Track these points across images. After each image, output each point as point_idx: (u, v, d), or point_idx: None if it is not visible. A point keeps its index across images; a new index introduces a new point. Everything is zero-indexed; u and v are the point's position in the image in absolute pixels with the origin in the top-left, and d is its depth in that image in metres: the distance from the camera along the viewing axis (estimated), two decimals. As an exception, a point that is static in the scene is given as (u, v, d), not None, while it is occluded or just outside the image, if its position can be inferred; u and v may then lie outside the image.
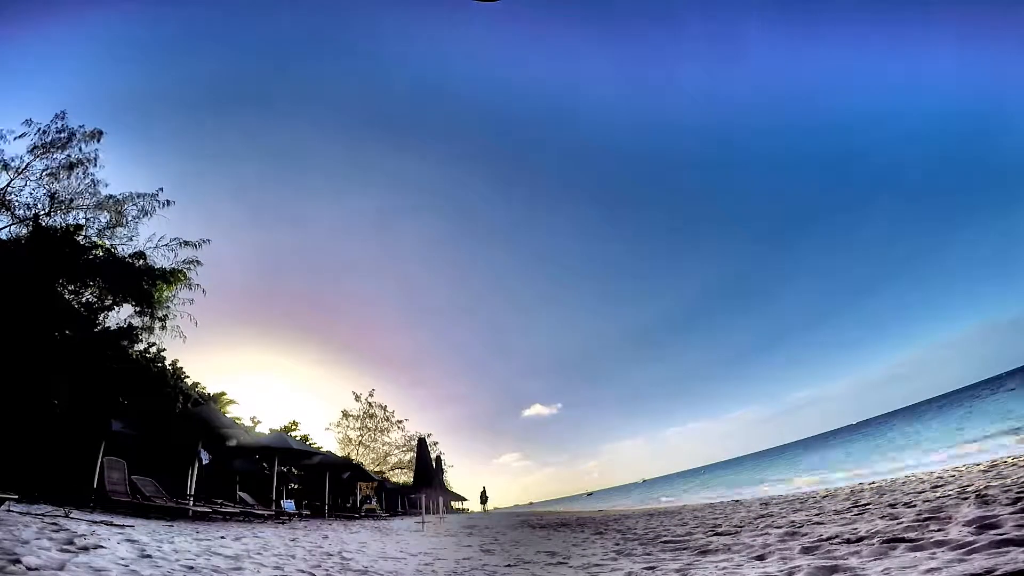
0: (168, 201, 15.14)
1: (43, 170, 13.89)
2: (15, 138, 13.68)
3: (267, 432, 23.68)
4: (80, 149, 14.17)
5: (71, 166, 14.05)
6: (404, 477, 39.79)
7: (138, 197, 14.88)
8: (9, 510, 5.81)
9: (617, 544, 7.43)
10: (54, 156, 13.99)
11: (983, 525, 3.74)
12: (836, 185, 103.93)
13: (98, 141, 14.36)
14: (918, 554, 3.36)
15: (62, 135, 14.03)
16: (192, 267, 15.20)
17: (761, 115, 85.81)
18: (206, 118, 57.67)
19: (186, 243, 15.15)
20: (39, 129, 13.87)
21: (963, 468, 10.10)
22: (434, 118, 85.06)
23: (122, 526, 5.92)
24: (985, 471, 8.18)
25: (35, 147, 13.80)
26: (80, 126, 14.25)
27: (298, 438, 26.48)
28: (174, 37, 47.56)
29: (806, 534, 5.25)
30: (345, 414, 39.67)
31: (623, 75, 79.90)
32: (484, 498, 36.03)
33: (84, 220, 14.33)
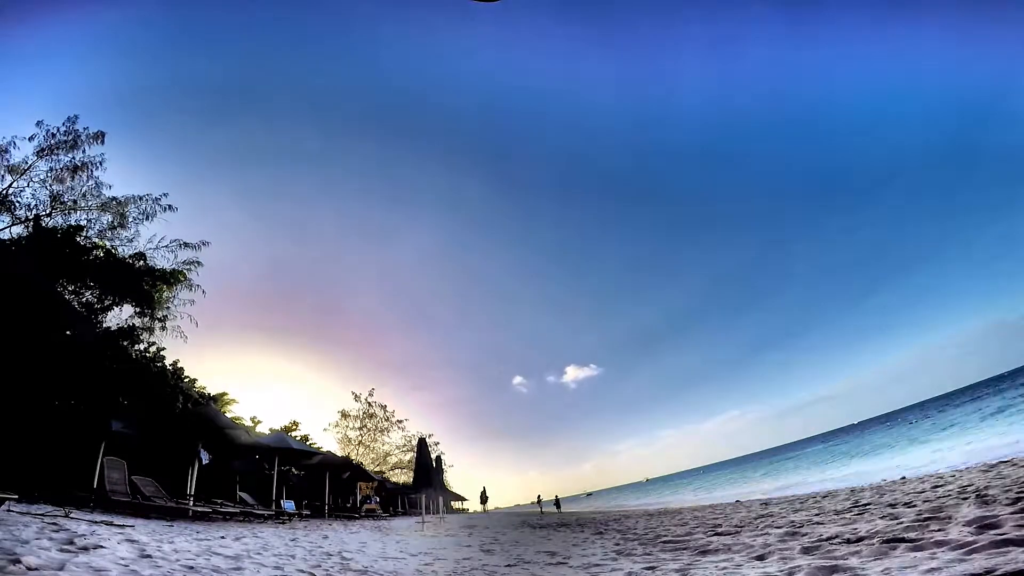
0: (171, 207, 15.14)
1: (47, 171, 13.91)
2: (28, 138, 13.71)
3: (267, 432, 23.69)
4: (84, 151, 14.19)
5: (75, 169, 14.06)
6: (404, 477, 39.77)
7: (140, 199, 14.89)
8: (9, 510, 5.81)
9: (617, 544, 7.43)
10: (58, 158, 14.01)
11: (983, 525, 3.74)
12: (836, 184, 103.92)
13: (100, 143, 14.36)
14: (918, 554, 3.36)
15: (68, 137, 14.05)
16: (192, 268, 15.22)
17: (761, 116, 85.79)
18: (209, 121, 57.77)
19: (186, 244, 15.17)
20: (47, 131, 13.89)
21: (963, 468, 10.11)
22: (435, 121, 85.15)
23: (122, 526, 5.91)
24: (985, 471, 8.18)
25: (41, 149, 13.81)
26: (85, 128, 14.28)
27: (298, 438, 26.50)
28: (176, 39, 47.57)
29: (806, 534, 5.25)
30: (343, 414, 39.66)
31: (623, 76, 79.91)
32: (484, 498, 36.00)
33: (85, 221, 14.35)
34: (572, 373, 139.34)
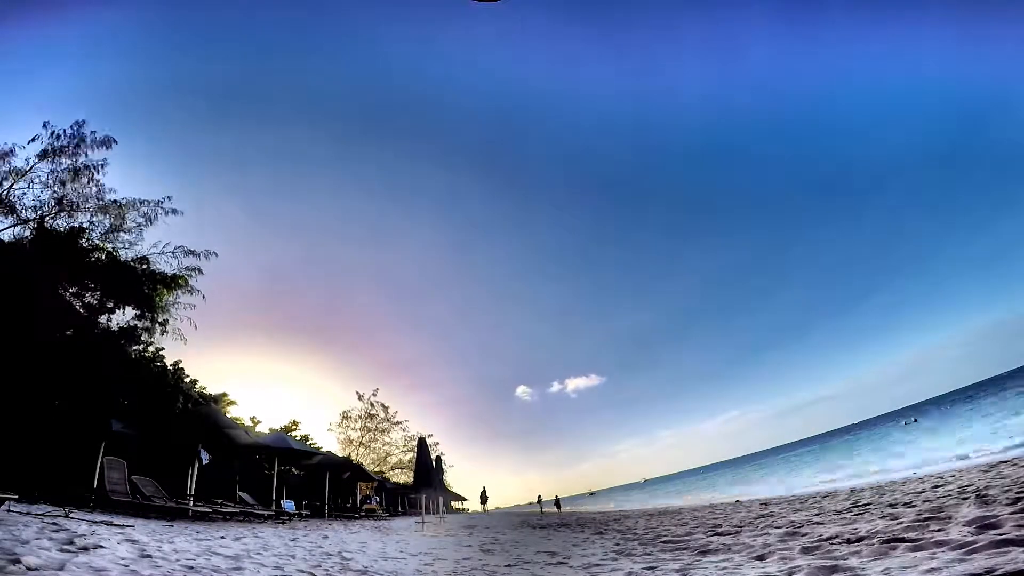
0: (175, 210, 15.11)
1: (49, 173, 13.88)
2: (31, 139, 13.63)
3: (267, 432, 23.70)
4: (87, 155, 14.13)
5: (77, 172, 14.03)
6: (404, 477, 39.77)
7: (142, 204, 14.86)
8: (9, 510, 5.82)
9: (617, 544, 7.43)
10: (62, 161, 13.97)
11: (983, 525, 3.74)
12: (836, 184, 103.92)
13: (108, 148, 14.30)
14: (918, 554, 3.35)
15: (74, 140, 13.99)
16: (193, 274, 15.20)
17: (761, 116, 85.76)
18: (209, 121, 57.70)
19: (191, 252, 15.16)
20: (52, 132, 13.84)
21: (963, 468, 10.11)
22: (434, 121, 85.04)
23: (122, 526, 5.92)
24: (985, 471, 8.18)
25: (44, 151, 13.74)
26: (92, 132, 14.20)
27: (298, 438, 26.49)
28: (176, 40, 47.59)
29: (806, 534, 5.25)
30: (345, 415, 39.65)
31: (623, 76, 79.85)
32: (484, 498, 36.00)
33: (87, 223, 14.32)
34: (573, 383, 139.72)
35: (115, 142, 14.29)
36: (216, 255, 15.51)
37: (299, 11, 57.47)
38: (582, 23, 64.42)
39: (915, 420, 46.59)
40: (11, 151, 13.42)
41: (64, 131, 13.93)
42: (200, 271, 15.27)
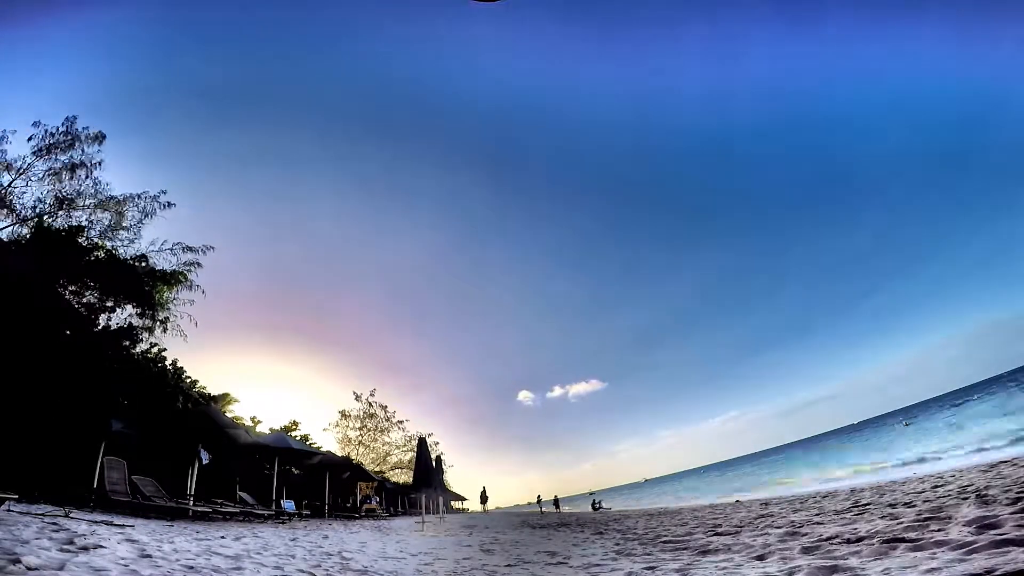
0: (169, 203, 15.16)
1: (46, 171, 13.93)
2: (27, 140, 13.74)
3: (267, 432, 23.69)
4: (83, 151, 14.22)
5: (73, 168, 14.09)
6: (404, 477, 39.75)
7: (138, 198, 14.91)
8: (9, 510, 5.81)
9: (617, 544, 7.43)
10: (57, 158, 14.05)
11: (983, 525, 3.74)
12: (836, 184, 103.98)
13: (100, 143, 14.39)
14: (918, 554, 3.35)
15: (67, 137, 14.09)
16: (192, 269, 15.24)
17: (760, 116, 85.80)
18: (210, 122, 57.67)
19: (189, 248, 15.21)
20: (45, 131, 13.93)
21: (963, 468, 10.11)
22: (435, 121, 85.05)
23: (122, 526, 5.91)
24: (985, 471, 8.18)
25: (39, 149, 13.83)
26: (84, 128, 14.31)
27: (298, 438, 26.49)
28: (176, 40, 47.58)
29: (806, 534, 5.25)
30: (343, 415, 39.64)
31: (623, 76, 79.86)
32: (484, 498, 35.98)
33: (86, 221, 14.36)
34: (575, 388, 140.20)
35: (104, 137, 14.42)
36: (213, 249, 15.57)
37: (299, 11, 57.49)
38: (582, 23, 64.46)
39: (908, 423, 46.74)
40: (3, 137, 13.46)
41: (57, 128, 14.05)
42: (199, 265, 15.33)
